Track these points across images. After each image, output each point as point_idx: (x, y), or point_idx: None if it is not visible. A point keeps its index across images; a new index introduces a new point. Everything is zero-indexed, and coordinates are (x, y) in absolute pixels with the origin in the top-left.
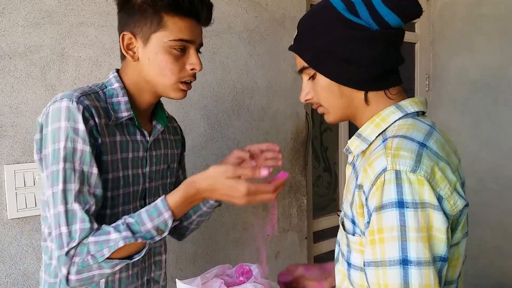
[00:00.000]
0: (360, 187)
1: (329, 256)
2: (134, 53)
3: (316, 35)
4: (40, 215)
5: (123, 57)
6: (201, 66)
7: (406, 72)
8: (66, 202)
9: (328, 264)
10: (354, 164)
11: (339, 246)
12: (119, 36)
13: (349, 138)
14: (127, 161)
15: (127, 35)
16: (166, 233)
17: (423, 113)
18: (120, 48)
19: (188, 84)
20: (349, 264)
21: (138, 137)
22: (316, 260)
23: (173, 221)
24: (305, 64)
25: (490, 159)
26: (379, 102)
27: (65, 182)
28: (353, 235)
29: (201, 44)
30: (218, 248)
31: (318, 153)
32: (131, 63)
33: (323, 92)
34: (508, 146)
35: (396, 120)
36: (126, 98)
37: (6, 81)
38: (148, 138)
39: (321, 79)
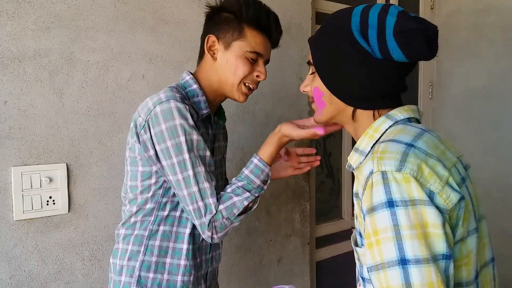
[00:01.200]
0: (356, 195)
1: (332, 262)
2: (214, 53)
3: (327, 39)
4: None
5: (200, 58)
6: (266, 75)
7: (409, 79)
8: (197, 183)
9: None
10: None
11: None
12: (204, 39)
13: (353, 144)
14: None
15: (212, 37)
16: (269, 181)
17: (416, 120)
18: (202, 49)
19: (250, 89)
20: (363, 279)
21: (210, 130)
22: (318, 266)
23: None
24: (312, 61)
25: (494, 167)
26: (365, 121)
27: (193, 167)
28: (359, 247)
29: (268, 60)
30: (221, 252)
31: (322, 159)
32: (209, 63)
33: (315, 91)
34: None
35: (387, 129)
36: (204, 98)
37: (15, 84)
38: (215, 132)
39: (318, 79)
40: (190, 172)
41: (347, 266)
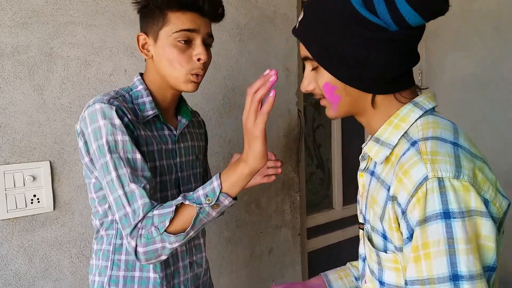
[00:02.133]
0: (393, 198)
1: (323, 252)
2: (148, 51)
3: (324, 28)
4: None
5: (145, 59)
6: (207, 56)
7: None
8: (122, 186)
9: (313, 280)
10: (374, 172)
11: (363, 261)
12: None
13: (342, 135)
14: (161, 152)
15: (141, 35)
16: (213, 202)
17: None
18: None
19: (198, 76)
20: (382, 283)
21: (166, 132)
22: (310, 257)
23: (225, 194)
24: (310, 56)
25: (484, 154)
26: (387, 106)
27: (116, 169)
28: (385, 252)
29: (209, 36)
30: (211, 246)
31: (311, 150)
32: (150, 62)
33: (326, 87)
34: (504, 146)
35: (417, 119)
36: (150, 98)
37: None
38: (175, 132)
39: (325, 73)
40: (113, 174)
41: (338, 256)
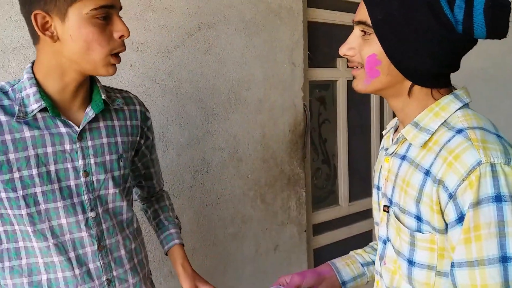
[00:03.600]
0: (439, 182)
1: (329, 249)
2: (53, 33)
3: (398, 2)
4: None
5: (36, 40)
6: (129, 31)
7: None
8: None
9: (322, 267)
10: (406, 156)
11: (384, 243)
12: (29, 17)
13: (348, 130)
14: (53, 154)
15: (40, 13)
16: None
17: None
18: (34, 31)
19: (118, 57)
20: (411, 263)
21: (62, 129)
22: (316, 253)
23: None
24: (368, 21)
25: None
26: (422, 98)
27: None
28: (420, 232)
29: (120, 8)
30: (217, 242)
31: (317, 145)
32: (49, 45)
33: (370, 58)
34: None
35: (456, 110)
36: (34, 89)
37: (0, 76)
38: (76, 128)
39: (375, 44)
40: None
41: (345, 253)
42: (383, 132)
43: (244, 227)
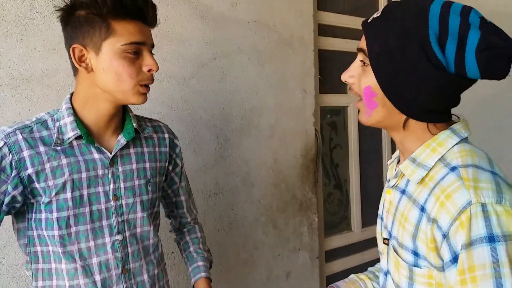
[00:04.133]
0: (433, 221)
1: (342, 276)
2: (88, 64)
3: (393, 38)
4: None
5: (75, 72)
6: (157, 66)
7: None
8: None
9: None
10: (405, 191)
11: (385, 275)
12: (69, 51)
13: (360, 155)
14: (87, 179)
15: (78, 47)
16: None
17: None
18: (72, 63)
19: (147, 87)
20: None
21: (96, 155)
22: (329, 280)
23: None
24: (367, 51)
25: None
26: (418, 132)
27: None
28: (418, 267)
29: (152, 46)
30: (228, 267)
31: (328, 170)
32: (85, 76)
33: (367, 90)
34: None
35: (454, 145)
36: (71, 118)
37: (24, 104)
38: (108, 154)
39: (371, 76)
40: None
41: None
42: (388, 162)
43: (256, 253)
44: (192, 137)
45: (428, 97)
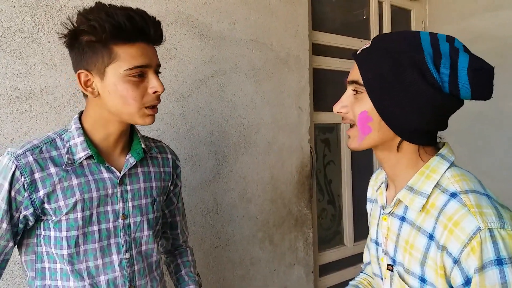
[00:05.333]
0: (443, 248)
1: None
2: (94, 89)
3: (387, 63)
4: None
5: (85, 95)
6: (163, 87)
7: None
8: None
9: None
10: (405, 218)
11: None
12: (75, 75)
13: (352, 171)
14: (91, 200)
15: (83, 72)
16: None
17: None
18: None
19: (154, 108)
20: None
21: (105, 174)
22: None
23: None
24: (360, 80)
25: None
26: (410, 154)
27: None
28: None
29: (158, 65)
30: (225, 284)
31: (322, 186)
32: (93, 99)
33: (362, 115)
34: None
35: (446, 171)
36: (81, 138)
37: (22, 121)
38: (117, 174)
39: (367, 102)
40: None
41: None
42: (372, 184)
43: (253, 269)
44: (191, 153)
45: (424, 118)
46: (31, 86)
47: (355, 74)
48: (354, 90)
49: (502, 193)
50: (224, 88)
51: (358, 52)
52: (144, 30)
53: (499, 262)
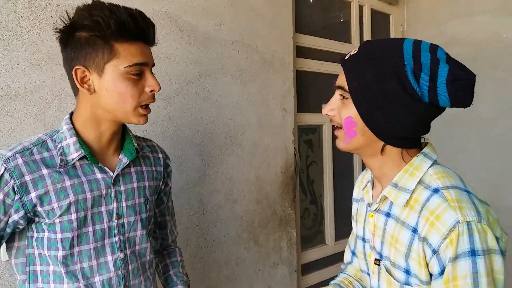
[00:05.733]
0: (423, 239)
1: None
2: (90, 85)
3: (370, 71)
4: None
5: (76, 93)
6: (159, 86)
7: None
8: None
9: None
10: (390, 214)
11: None
12: (71, 72)
13: (334, 171)
14: (85, 202)
15: (80, 68)
16: None
17: None
18: (74, 84)
19: (147, 108)
20: None
21: (99, 175)
22: None
23: None
24: (346, 87)
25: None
26: (394, 156)
27: None
28: (409, 285)
29: (153, 65)
30: (211, 285)
31: (305, 186)
32: (87, 97)
33: (348, 120)
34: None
35: (428, 168)
36: (74, 139)
37: (5, 121)
38: (111, 174)
39: (352, 108)
40: None
41: None
42: (358, 185)
43: (238, 269)
44: (177, 154)
45: (405, 125)
46: (15, 85)
47: (342, 80)
48: (341, 95)
49: (479, 193)
50: (211, 89)
51: (346, 58)
52: (144, 31)
53: (473, 253)
